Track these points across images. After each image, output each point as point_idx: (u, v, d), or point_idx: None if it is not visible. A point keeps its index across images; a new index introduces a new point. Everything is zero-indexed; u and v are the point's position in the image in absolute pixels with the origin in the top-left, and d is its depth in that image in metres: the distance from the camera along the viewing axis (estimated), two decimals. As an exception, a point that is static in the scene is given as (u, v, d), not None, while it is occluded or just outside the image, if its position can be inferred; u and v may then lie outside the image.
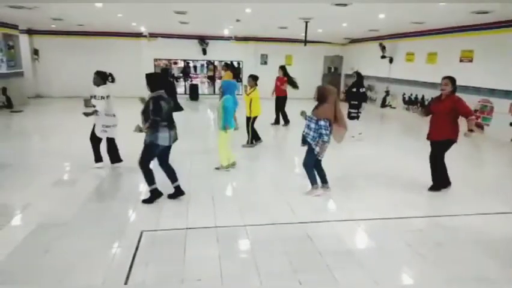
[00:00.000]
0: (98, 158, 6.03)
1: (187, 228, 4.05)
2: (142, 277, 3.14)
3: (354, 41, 16.24)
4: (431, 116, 5.28)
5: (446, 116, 4.99)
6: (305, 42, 11.41)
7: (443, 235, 4.07)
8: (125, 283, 3.05)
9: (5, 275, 3.14)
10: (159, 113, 4.40)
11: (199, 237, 3.88)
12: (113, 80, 5.99)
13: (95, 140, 5.91)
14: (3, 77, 11.93)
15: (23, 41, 14.03)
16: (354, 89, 8.41)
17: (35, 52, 15.02)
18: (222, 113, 5.75)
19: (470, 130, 4.85)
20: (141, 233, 3.90)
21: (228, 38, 16.17)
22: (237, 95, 6.18)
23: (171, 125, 4.62)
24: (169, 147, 4.71)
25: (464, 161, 7.48)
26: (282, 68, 10.18)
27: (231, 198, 5.12)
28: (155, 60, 16.39)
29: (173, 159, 6.70)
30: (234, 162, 6.26)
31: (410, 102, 12.58)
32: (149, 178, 4.66)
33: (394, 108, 13.57)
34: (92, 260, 3.40)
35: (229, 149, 6.13)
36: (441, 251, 3.75)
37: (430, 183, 5.38)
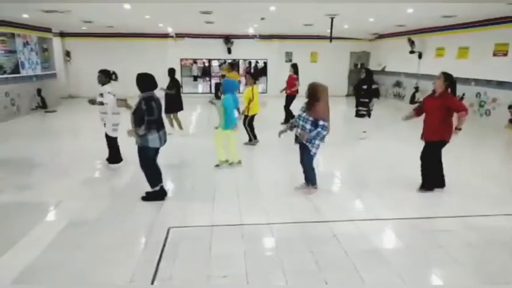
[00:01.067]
0: (118, 158, 6.21)
1: (212, 226, 4.10)
2: (169, 273, 3.21)
3: (381, 36, 15.89)
4: (424, 115, 5.00)
5: (438, 115, 4.72)
6: (331, 38, 11.24)
7: (473, 236, 3.93)
8: (153, 278, 3.13)
9: (39, 271, 3.28)
10: (152, 113, 4.38)
11: (224, 235, 3.92)
12: (116, 78, 6.09)
13: (112, 140, 6.07)
14: (38, 79, 12.45)
15: (56, 43, 14.57)
16: (365, 86, 8.15)
17: (67, 54, 15.60)
18: (223, 113, 5.77)
19: (459, 129, 4.71)
20: (168, 230, 3.99)
21: (253, 37, 16.19)
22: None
23: (160, 127, 4.60)
24: (158, 149, 4.73)
25: (496, 159, 7.20)
26: (293, 66, 9.92)
27: (255, 196, 5.11)
28: (182, 60, 16.64)
29: (196, 157, 6.81)
30: (239, 160, 6.27)
31: (441, 98, 12.19)
32: (152, 179, 4.72)
33: (423, 104, 13.18)
34: (122, 256, 3.51)
35: (234, 148, 6.18)
36: (471, 251, 3.63)
37: (458, 182, 5.20)
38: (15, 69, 11.15)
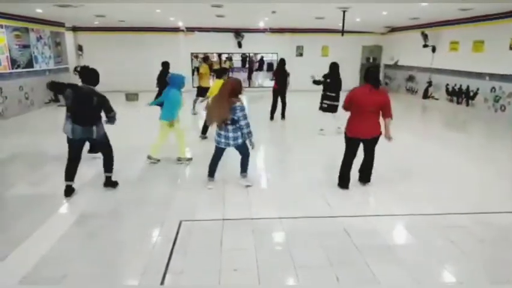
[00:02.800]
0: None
1: (223, 219, 4.12)
2: (180, 266, 3.24)
3: (394, 29, 15.66)
4: None
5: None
6: (342, 32, 11.12)
7: (485, 232, 3.87)
8: (165, 271, 3.16)
9: (52, 264, 3.33)
10: (60, 91, 4.78)
11: (235, 228, 3.93)
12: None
13: None
14: (52, 73, 12.60)
15: (69, 37, 14.70)
16: (328, 80, 8.07)
17: (79, 48, 15.74)
18: (170, 106, 5.87)
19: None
20: (180, 223, 4.02)
21: (263, 31, 16.10)
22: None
23: (79, 120, 4.48)
24: (81, 140, 4.66)
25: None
26: (280, 61, 9.74)
27: (266, 190, 5.13)
28: (192, 54, 16.67)
29: (205, 151, 6.79)
30: (182, 158, 6.26)
31: (454, 93, 12.00)
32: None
33: (437, 99, 12.99)
34: (134, 249, 3.55)
35: (184, 144, 6.20)
36: (483, 248, 3.58)
37: (470, 178, 5.11)
38: (29, 64, 11.30)
